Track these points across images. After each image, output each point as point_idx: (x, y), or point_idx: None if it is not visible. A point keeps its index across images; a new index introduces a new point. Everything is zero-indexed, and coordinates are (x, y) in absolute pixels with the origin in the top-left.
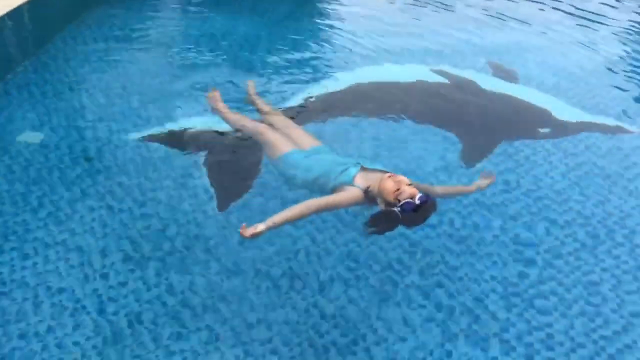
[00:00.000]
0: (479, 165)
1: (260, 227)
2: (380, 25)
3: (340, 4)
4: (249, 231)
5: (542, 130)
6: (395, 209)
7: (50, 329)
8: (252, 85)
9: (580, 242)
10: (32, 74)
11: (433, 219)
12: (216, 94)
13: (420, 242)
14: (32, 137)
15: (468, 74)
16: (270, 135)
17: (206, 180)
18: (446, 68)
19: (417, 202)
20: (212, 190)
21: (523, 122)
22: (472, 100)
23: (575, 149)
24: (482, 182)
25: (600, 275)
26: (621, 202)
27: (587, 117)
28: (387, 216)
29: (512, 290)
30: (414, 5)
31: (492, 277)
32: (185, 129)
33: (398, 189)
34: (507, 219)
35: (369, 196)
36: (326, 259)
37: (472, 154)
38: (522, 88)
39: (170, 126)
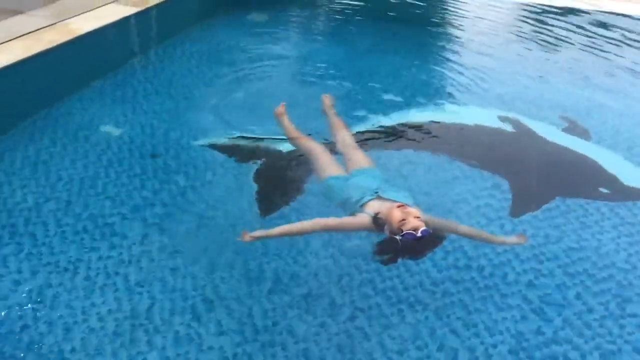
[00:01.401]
0: (524, 217)
1: (259, 233)
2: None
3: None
4: (248, 237)
5: (602, 191)
6: (397, 237)
7: None
8: (328, 98)
9: (610, 311)
10: (130, 76)
11: (461, 261)
12: (282, 109)
13: (443, 282)
14: (114, 130)
15: (537, 126)
16: (320, 156)
17: (253, 189)
18: (515, 116)
19: (419, 234)
20: (255, 197)
21: (583, 180)
22: (534, 151)
23: (633, 217)
24: (511, 238)
25: (620, 346)
26: None
27: None
28: (390, 243)
29: (524, 345)
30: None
31: (507, 329)
32: (246, 141)
33: (404, 219)
34: (538, 275)
35: (377, 223)
36: (346, 282)
37: (521, 204)
38: (590, 146)
39: (235, 136)
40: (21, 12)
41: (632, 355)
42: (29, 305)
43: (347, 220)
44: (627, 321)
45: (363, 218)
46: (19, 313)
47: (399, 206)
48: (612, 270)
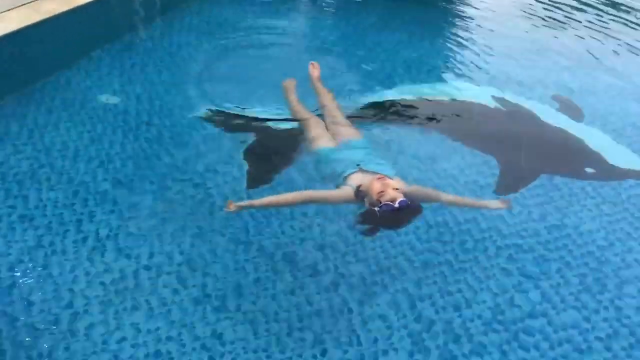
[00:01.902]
0: (510, 195)
1: (244, 203)
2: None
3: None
4: (233, 206)
5: (587, 171)
6: (376, 208)
7: None
8: (315, 67)
9: (585, 285)
10: (129, 47)
11: (445, 235)
12: (291, 84)
13: (423, 253)
14: (111, 99)
15: (530, 105)
16: (313, 128)
17: (243, 160)
18: (510, 95)
19: (396, 205)
20: (245, 169)
21: (570, 159)
22: (524, 129)
23: (616, 196)
24: (495, 202)
25: (594, 322)
26: None
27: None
28: (369, 215)
29: (499, 318)
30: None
31: (484, 301)
32: (242, 115)
33: (382, 191)
34: (519, 250)
35: (359, 195)
36: (330, 250)
37: (507, 182)
38: (581, 126)
39: (230, 109)
40: None
41: (605, 330)
42: (19, 263)
43: (330, 192)
44: (603, 296)
45: (346, 190)
46: (8, 272)
47: (378, 178)
48: (591, 247)
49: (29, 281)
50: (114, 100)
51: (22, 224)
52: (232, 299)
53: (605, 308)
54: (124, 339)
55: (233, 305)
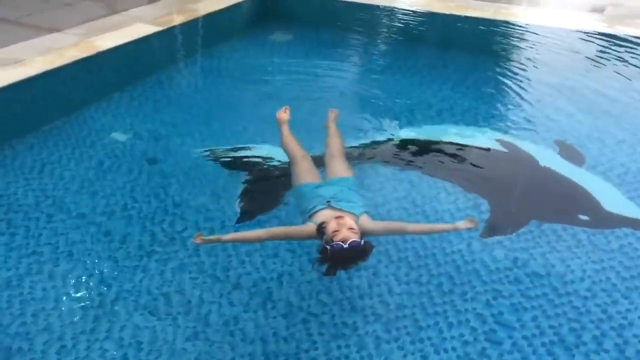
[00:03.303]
0: (496, 238)
1: (212, 237)
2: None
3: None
4: (200, 239)
5: (581, 218)
6: (327, 247)
7: None
8: (334, 112)
9: (560, 337)
10: (146, 89)
11: (424, 277)
12: (286, 115)
13: (400, 294)
14: (121, 136)
15: (531, 149)
16: (299, 163)
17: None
18: (512, 139)
19: (346, 245)
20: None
21: (564, 205)
22: (521, 174)
23: (607, 244)
24: (462, 223)
25: None
26: (629, 309)
27: (637, 214)
28: (323, 253)
29: None
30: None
31: (454, 349)
32: (240, 154)
33: (336, 230)
34: (497, 296)
35: (320, 232)
36: (305, 287)
37: (495, 226)
38: (581, 172)
39: (233, 147)
40: (58, 30)
41: None
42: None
43: (294, 229)
44: (578, 350)
45: (309, 227)
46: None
47: (336, 217)
48: (572, 297)
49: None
50: (123, 137)
51: (19, 250)
52: (201, 327)
53: None
54: None
55: (201, 333)
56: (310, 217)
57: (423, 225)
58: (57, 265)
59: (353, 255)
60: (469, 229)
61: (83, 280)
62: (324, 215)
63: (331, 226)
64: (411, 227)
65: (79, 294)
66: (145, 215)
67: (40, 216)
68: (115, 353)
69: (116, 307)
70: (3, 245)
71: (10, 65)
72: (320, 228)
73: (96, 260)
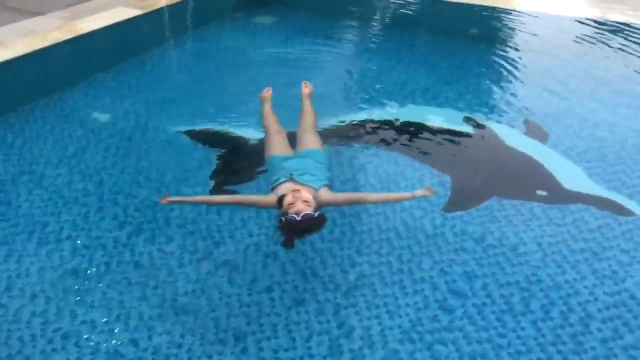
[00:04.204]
0: (457, 213)
1: (177, 198)
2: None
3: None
4: (166, 200)
5: (539, 193)
6: (282, 218)
7: None
8: (307, 86)
9: (510, 305)
10: (127, 71)
11: (384, 249)
12: (268, 94)
13: (361, 264)
14: (101, 116)
15: (497, 127)
16: (272, 137)
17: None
18: (480, 119)
19: (298, 218)
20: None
21: (524, 181)
22: (486, 152)
23: (563, 218)
24: (420, 191)
25: (510, 341)
26: (577, 279)
27: (594, 190)
28: (279, 224)
29: (418, 329)
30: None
31: (407, 314)
32: (217, 131)
33: (292, 203)
34: (452, 264)
35: (280, 204)
36: (270, 258)
37: (456, 202)
38: (545, 150)
39: (210, 125)
40: (42, 14)
41: (518, 347)
42: None
43: (257, 198)
44: (525, 318)
45: (271, 198)
46: None
47: (293, 190)
48: (525, 267)
49: None
50: (104, 117)
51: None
52: (170, 295)
53: (523, 329)
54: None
55: (170, 300)
56: (273, 188)
57: (382, 195)
58: (31, 235)
59: (306, 227)
60: (426, 197)
61: (56, 250)
62: (285, 187)
63: (287, 199)
64: (370, 196)
65: (51, 263)
66: (120, 189)
67: (19, 190)
68: (84, 317)
69: (87, 275)
70: None
71: None
72: (280, 200)
73: (72, 232)
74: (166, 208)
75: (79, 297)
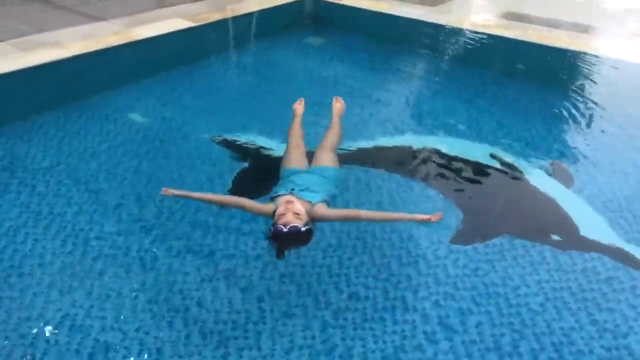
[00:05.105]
0: (464, 246)
1: (180, 192)
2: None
3: None
4: (169, 192)
5: (553, 237)
6: (272, 227)
7: None
8: (339, 102)
9: (498, 345)
10: (173, 78)
11: (383, 274)
12: (299, 107)
13: (356, 285)
14: (139, 117)
15: (522, 166)
16: (289, 151)
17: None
18: (505, 155)
19: (285, 229)
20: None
21: (539, 224)
22: (508, 190)
23: (572, 265)
24: (422, 216)
25: None
26: (574, 328)
27: (612, 241)
28: (269, 233)
29: (400, 355)
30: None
31: (393, 341)
32: (245, 142)
33: (283, 214)
34: (448, 298)
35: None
36: (269, 268)
37: (465, 235)
38: (566, 193)
39: (240, 138)
40: (104, 20)
41: None
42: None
43: (256, 204)
44: (511, 359)
45: (268, 207)
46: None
47: (287, 202)
48: (522, 309)
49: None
50: (141, 119)
51: (24, 207)
52: (165, 293)
53: None
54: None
55: (162, 300)
56: (272, 199)
57: (377, 213)
58: (51, 223)
59: (290, 239)
60: (427, 221)
61: (70, 238)
62: (282, 199)
63: (279, 209)
64: (365, 214)
65: (64, 250)
66: (143, 187)
67: (49, 179)
68: (83, 303)
69: (95, 264)
70: (9, 201)
71: (48, 47)
72: (275, 211)
73: (87, 224)
74: (183, 209)
75: (80, 283)
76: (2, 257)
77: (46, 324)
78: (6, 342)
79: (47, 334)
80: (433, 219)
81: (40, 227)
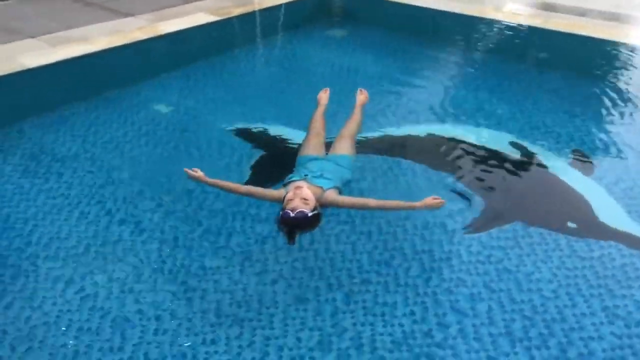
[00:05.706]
0: (478, 234)
1: (206, 179)
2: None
3: None
4: (196, 175)
5: (569, 225)
6: (280, 212)
7: None
8: (363, 94)
9: (508, 329)
10: (197, 71)
11: (397, 260)
12: (323, 96)
13: (368, 272)
14: (164, 109)
15: (543, 154)
16: (308, 138)
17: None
18: (525, 143)
19: (292, 214)
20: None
21: (556, 211)
22: (523, 177)
23: (588, 252)
24: (431, 201)
25: None
26: (585, 314)
27: (629, 228)
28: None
29: (409, 341)
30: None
31: (401, 324)
32: (265, 132)
33: (291, 199)
34: (460, 284)
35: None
36: (283, 252)
37: (481, 222)
38: (586, 181)
39: (260, 128)
40: (131, 15)
41: None
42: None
43: (269, 191)
44: (521, 344)
45: (280, 193)
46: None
47: (296, 187)
48: (534, 295)
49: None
50: (165, 109)
51: (48, 193)
52: (182, 275)
53: (516, 354)
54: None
55: (180, 282)
56: (285, 184)
57: (384, 202)
58: (75, 209)
59: (297, 224)
60: (435, 208)
61: (92, 222)
62: (294, 185)
63: (288, 194)
64: (372, 202)
65: (87, 234)
66: (164, 175)
67: (75, 166)
68: (102, 285)
69: (116, 248)
70: (36, 187)
71: (76, 42)
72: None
73: (110, 210)
74: (202, 195)
75: (102, 265)
76: (29, 241)
77: (68, 302)
78: (30, 324)
79: (69, 315)
80: (435, 204)
81: (64, 213)
